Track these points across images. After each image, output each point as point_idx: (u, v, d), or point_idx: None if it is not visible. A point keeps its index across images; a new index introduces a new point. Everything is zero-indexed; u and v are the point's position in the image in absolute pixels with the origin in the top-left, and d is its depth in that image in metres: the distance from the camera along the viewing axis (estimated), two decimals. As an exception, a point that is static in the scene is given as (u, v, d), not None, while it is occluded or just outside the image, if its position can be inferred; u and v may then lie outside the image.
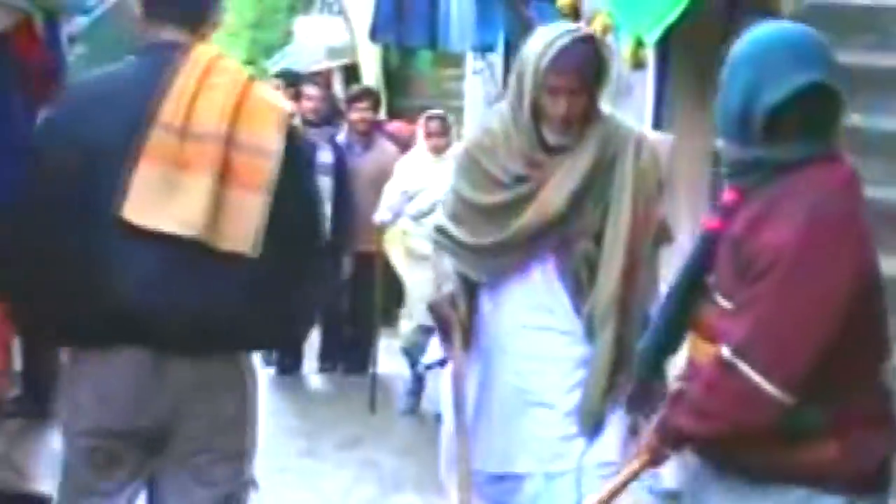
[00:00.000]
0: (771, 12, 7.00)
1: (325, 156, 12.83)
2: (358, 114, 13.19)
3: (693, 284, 4.07)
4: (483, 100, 13.49)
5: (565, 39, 4.89)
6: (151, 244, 4.67)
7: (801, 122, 3.78)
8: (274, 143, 4.79)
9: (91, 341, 4.89)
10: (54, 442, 9.13)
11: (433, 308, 5.18)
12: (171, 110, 4.70)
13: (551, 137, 4.98)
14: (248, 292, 4.78)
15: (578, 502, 5.02)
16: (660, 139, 5.15)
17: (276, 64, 22.87)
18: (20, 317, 5.25)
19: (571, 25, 5.40)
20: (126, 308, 4.69)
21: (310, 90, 8.92)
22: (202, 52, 4.91)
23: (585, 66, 4.92)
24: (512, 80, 5.09)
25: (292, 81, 16.06)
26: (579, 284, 5.04)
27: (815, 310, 3.58)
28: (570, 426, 5.13)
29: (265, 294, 4.80)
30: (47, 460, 8.74)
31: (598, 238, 5.01)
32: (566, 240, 5.03)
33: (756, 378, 3.65)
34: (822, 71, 3.80)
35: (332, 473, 10.89)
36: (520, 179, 5.00)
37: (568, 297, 5.08)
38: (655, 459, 4.17)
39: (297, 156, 4.93)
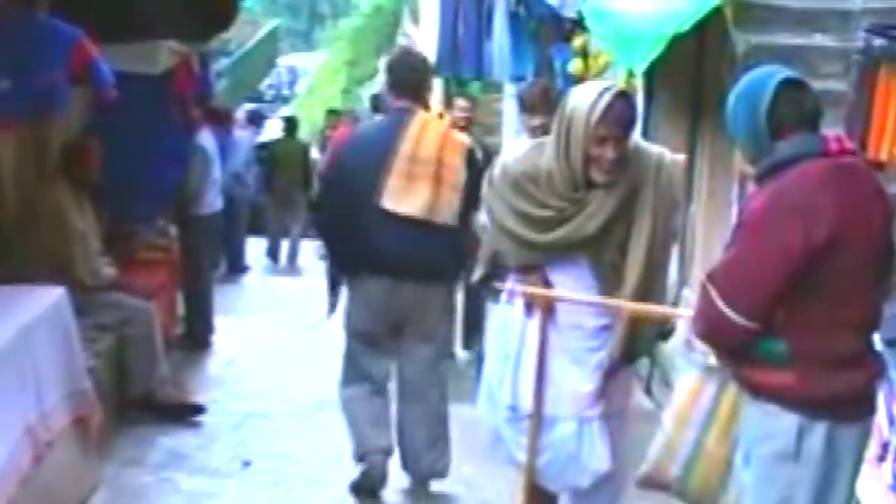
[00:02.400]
0: (728, 51, 6.98)
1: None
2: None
3: None
4: (516, 115, 13.49)
5: (607, 97, 4.67)
6: (396, 220, 5.87)
7: (793, 115, 3.70)
8: (461, 164, 6.00)
9: (362, 272, 6.07)
10: (209, 367, 9.39)
11: (526, 285, 4.93)
12: (405, 146, 5.90)
13: (599, 178, 4.71)
14: (446, 246, 6.00)
15: (605, 444, 4.87)
16: (676, 160, 4.90)
17: (367, 90, 22.89)
18: (334, 259, 6.55)
19: (606, 83, 5.01)
20: (381, 254, 5.93)
21: (460, 102, 9.00)
22: (421, 114, 6.07)
23: (626, 117, 4.75)
24: (559, 131, 4.74)
25: (376, 104, 16.42)
26: (607, 285, 4.84)
27: (768, 260, 3.57)
28: (596, 380, 4.87)
29: (453, 247, 6.03)
30: (202, 380, 8.98)
31: (623, 248, 4.81)
32: (597, 254, 4.83)
33: (720, 304, 3.64)
34: (789, 73, 3.76)
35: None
36: (557, 209, 4.79)
37: (596, 288, 4.85)
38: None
39: (471, 169, 5.98)
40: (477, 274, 5.41)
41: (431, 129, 6.01)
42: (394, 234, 5.88)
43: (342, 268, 6.33)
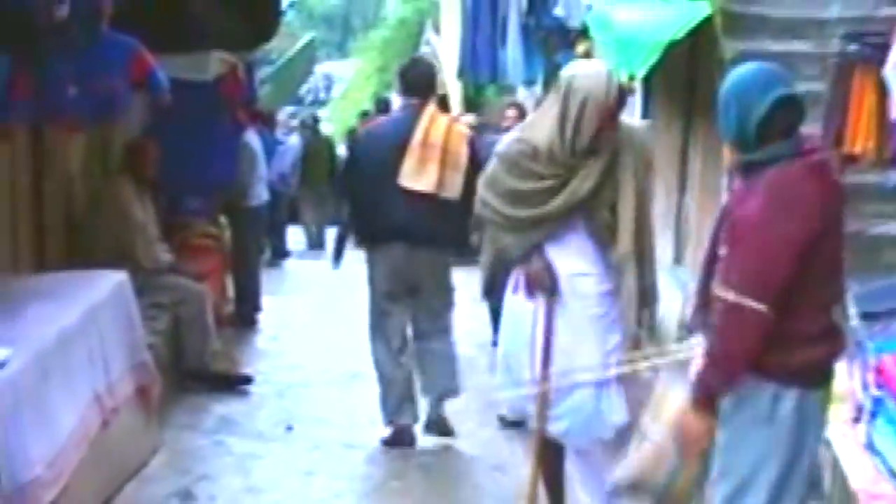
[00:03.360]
0: (718, 56, 6.96)
1: None
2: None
3: (715, 244, 3.90)
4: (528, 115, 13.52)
5: (615, 80, 4.76)
6: (411, 195, 6.20)
7: (781, 126, 3.65)
8: (463, 149, 6.31)
9: (381, 241, 6.40)
10: (256, 342, 9.42)
11: (530, 271, 4.88)
12: (418, 135, 6.23)
13: (603, 145, 4.74)
14: (451, 217, 6.28)
15: (622, 398, 4.83)
16: (642, 126, 4.91)
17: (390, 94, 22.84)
18: (356, 228, 6.75)
19: (599, 64, 5.08)
20: (398, 225, 6.26)
21: (469, 118, 9.22)
22: (429, 109, 6.38)
23: (622, 96, 4.85)
24: (567, 108, 4.71)
25: (381, 106, 16.50)
26: (603, 243, 4.86)
27: (779, 251, 3.53)
28: (606, 344, 4.84)
29: (457, 218, 6.25)
30: (249, 354, 9.00)
31: (613, 208, 4.83)
32: (590, 213, 4.84)
33: (748, 301, 3.54)
34: (787, 87, 3.70)
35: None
36: (554, 176, 4.79)
37: (594, 252, 4.86)
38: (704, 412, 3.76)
39: (472, 154, 6.30)
40: (483, 278, 5.46)
41: (439, 121, 6.41)
42: (409, 207, 6.24)
43: (364, 237, 6.64)
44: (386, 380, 6.56)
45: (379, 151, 6.34)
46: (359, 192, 6.49)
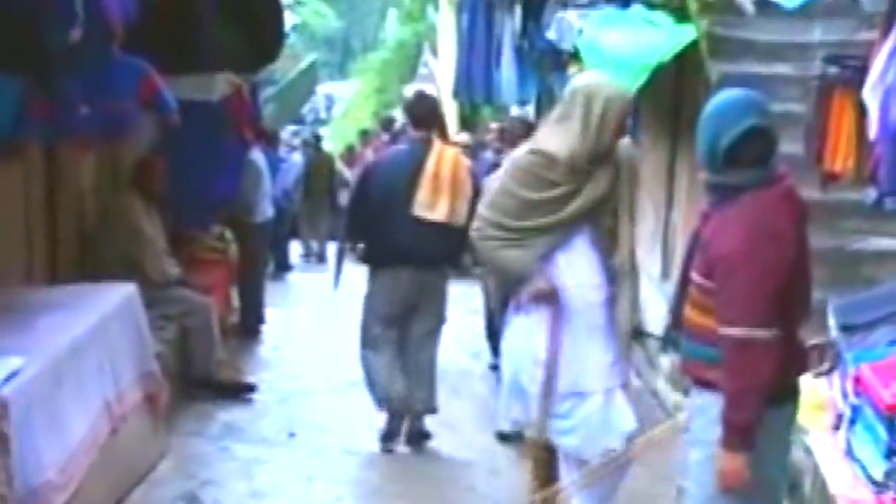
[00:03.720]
0: (703, 78, 6.99)
1: None
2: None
3: (688, 267, 3.91)
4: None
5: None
6: (423, 224, 6.33)
7: (749, 156, 3.65)
8: (468, 180, 6.47)
9: (388, 264, 6.49)
10: (259, 352, 9.41)
11: (534, 289, 4.80)
12: (429, 168, 6.37)
13: (619, 144, 4.81)
14: (452, 240, 6.36)
15: (630, 406, 4.81)
16: (629, 143, 4.92)
17: (392, 113, 22.92)
18: (363, 251, 6.76)
19: (604, 76, 5.06)
20: (408, 250, 6.37)
21: (463, 137, 9.26)
22: (437, 143, 6.57)
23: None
24: (588, 115, 4.70)
25: (386, 126, 16.61)
26: (606, 251, 4.85)
27: (764, 280, 3.52)
28: (610, 353, 4.81)
29: (457, 239, 6.26)
30: (255, 363, 8.99)
31: (615, 212, 4.85)
32: (596, 218, 4.83)
33: (756, 332, 3.52)
34: (760, 118, 3.69)
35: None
36: (570, 183, 4.77)
37: (598, 261, 4.82)
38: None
39: (473, 182, 6.47)
40: (486, 315, 5.45)
41: (446, 155, 6.54)
42: (418, 234, 6.35)
43: (371, 260, 6.65)
44: (378, 389, 6.67)
45: (390, 181, 6.43)
46: (369, 218, 6.52)
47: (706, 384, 3.73)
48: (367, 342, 6.68)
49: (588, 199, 4.81)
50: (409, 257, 6.40)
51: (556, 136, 4.84)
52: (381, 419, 6.74)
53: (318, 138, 16.86)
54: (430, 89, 17.82)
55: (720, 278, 3.64)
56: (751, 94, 3.92)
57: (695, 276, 3.76)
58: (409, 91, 19.92)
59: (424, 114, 6.72)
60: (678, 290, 3.96)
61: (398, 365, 6.66)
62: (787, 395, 3.76)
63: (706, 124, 3.76)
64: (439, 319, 6.77)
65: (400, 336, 6.68)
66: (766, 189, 3.65)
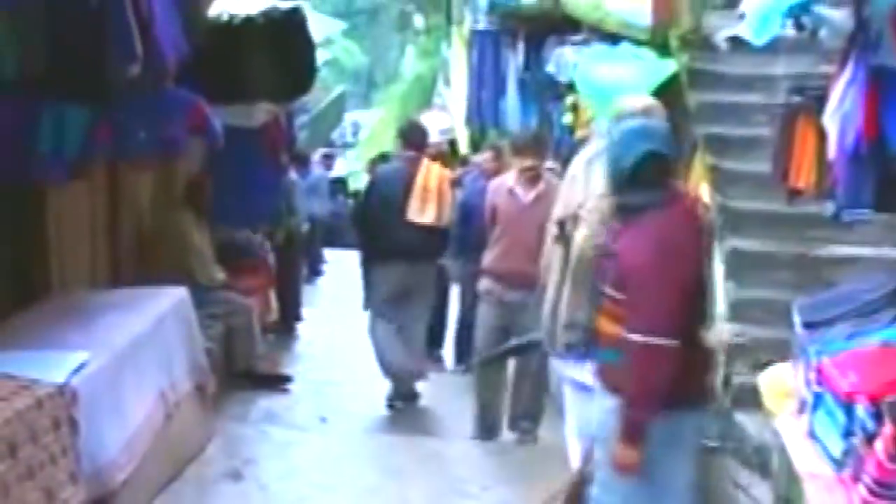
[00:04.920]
0: (683, 106, 6.98)
1: None
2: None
3: (598, 280, 3.77)
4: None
5: None
6: (415, 227, 6.81)
7: (649, 178, 3.57)
8: (450, 190, 7.03)
9: (387, 259, 6.96)
10: (295, 347, 9.43)
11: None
12: (419, 182, 6.86)
13: None
14: (439, 240, 6.98)
15: None
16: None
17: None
18: (370, 250, 7.19)
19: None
20: (403, 247, 6.82)
21: (487, 155, 9.37)
22: (425, 160, 7.07)
23: None
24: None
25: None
26: None
27: (670, 291, 3.45)
28: None
29: (442, 239, 6.99)
30: (291, 357, 9.01)
31: None
32: None
33: (658, 340, 3.43)
34: (658, 144, 3.62)
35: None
36: None
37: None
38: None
39: (453, 191, 7.16)
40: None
41: (433, 170, 7.08)
42: (412, 235, 6.85)
43: (372, 257, 7.16)
44: (385, 362, 7.17)
45: (387, 192, 6.98)
46: (370, 222, 7.08)
47: (616, 388, 3.62)
48: (375, 321, 7.18)
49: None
50: (405, 253, 6.86)
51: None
52: (387, 386, 7.30)
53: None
54: (444, 117, 17.90)
55: (629, 289, 3.55)
56: (650, 123, 3.91)
57: (606, 288, 3.66)
58: (425, 117, 20.00)
59: (414, 137, 7.24)
60: (591, 302, 3.86)
61: (399, 340, 7.16)
62: (694, 402, 3.63)
63: (611, 150, 3.71)
64: (428, 304, 7.37)
65: (398, 318, 7.14)
66: (668, 207, 3.58)
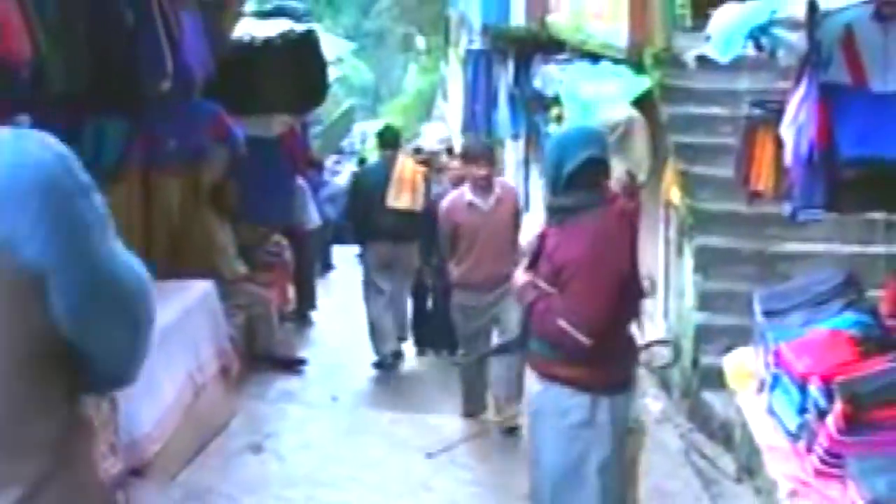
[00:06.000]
0: (656, 117, 7.00)
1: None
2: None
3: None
4: (514, 162, 13.62)
5: None
6: (395, 211, 7.35)
7: (586, 181, 3.41)
8: (422, 181, 7.50)
9: (373, 239, 7.60)
10: (309, 333, 9.43)
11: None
12: (395, 175, 7.43)
13: None
14: (415, 223, 7.29)
15: None
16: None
17: (412, 145, 22.76)
18: (356, 231, 8.00)
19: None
20: (386, 229, 7.40)
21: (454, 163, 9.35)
22: (401, 157, 7.63)
23: None
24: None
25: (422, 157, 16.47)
26: None
27: (599, 291, 3.31)
28: None
29: (418, 223, 7.25)
30: (306, 342, 8.99)
31: None
32: None
33: (577, 335, 3.30)
34: (597, 149, 3.48)
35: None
36: None
37: None
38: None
39: (426, 183, 7.58)
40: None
41: (407, 165, 7.72)
42: (393, 218, 7.39)
43: (362, 237, 7.86)
44: (375, 324, 7.62)
45: (370, 184, 7.63)
46: (359, 209, 7.70)
47: (552, 378, 3.49)
48: (369, 291, 7.70)
49: None
50: (388, 233, 7.44)
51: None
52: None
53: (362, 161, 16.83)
54: (443, 127, 17.91)
55: (563, 282, 3.39)
56: (590, 128, 3.84)
57: (540, 283, 3.49)
58: (425, 128, 20.00)
59: (389, 139, 7.90)
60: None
61: (386, 305, 7.67)
62: (620, 387, 3.49)
63: (551, 154, 3.55)
64: (410, 277, 7.86)
65: (385, 286, 7.65)
66: (601, 208, 3.43)
